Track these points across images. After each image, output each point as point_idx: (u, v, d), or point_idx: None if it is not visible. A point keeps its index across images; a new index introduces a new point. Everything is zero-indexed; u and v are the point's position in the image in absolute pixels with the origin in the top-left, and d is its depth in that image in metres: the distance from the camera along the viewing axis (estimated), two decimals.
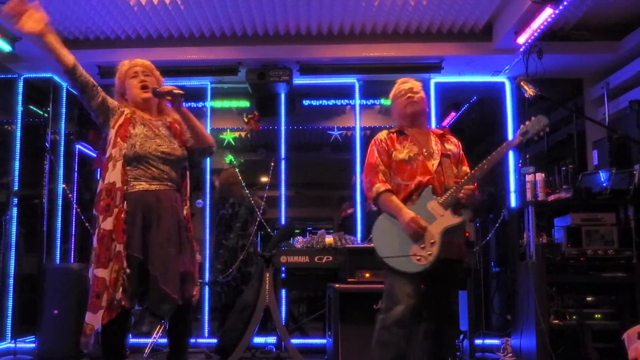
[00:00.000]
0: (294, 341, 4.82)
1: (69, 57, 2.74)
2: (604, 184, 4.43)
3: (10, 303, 5.30)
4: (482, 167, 2.86)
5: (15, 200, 5.36)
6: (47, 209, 5.42)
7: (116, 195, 2.71)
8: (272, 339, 5.13)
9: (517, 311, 4.65)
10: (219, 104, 6.02)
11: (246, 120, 5.69)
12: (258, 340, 5.09)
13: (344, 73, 5.60)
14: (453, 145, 3.11)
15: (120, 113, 2.86)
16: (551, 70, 5.12)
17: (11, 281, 5.33)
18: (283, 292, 5.32)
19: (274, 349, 5.00)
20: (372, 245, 2.97)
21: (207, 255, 5.61)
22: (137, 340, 4.75)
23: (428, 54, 5.31)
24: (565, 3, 4.30)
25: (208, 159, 5.48)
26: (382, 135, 3.10)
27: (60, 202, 5.61)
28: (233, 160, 5.87)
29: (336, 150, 7.51)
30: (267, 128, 6.41)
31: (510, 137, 5.49)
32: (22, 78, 5.59)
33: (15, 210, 5.35)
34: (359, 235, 5.53)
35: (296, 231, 5.19)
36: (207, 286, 5.49)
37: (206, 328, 5.47)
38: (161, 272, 2.67)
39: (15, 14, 2.59)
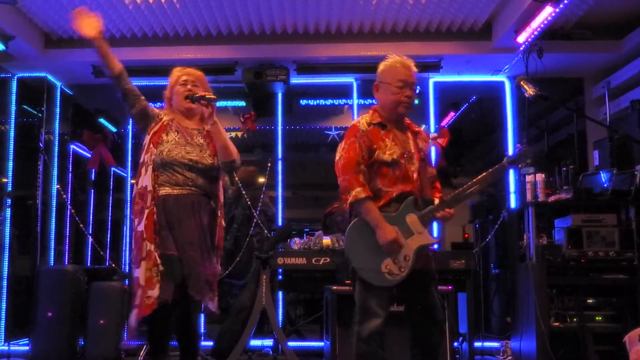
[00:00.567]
0: (291, 344, 4.80)
1: (116, 65, 2.88)
2: (605, 185, 4.42)
3: (3, 305, 5.25)
4: (467, 188, 2.77)
5: (9, 201, 5.30)
6: (41, 210, 5.38)
7: (147, 197, 2.82)
8: (269, 342, 5.10)
9: (517, 313, 4.62)
10: None
11: (243, 120, 5.65)
12: (255, 342, 5.05)
13: (342, 72, 5.56)
14: (424, 141, 2.99)
15: (158, 120, 2.96)
16: (551, 70, 5.07)
17: (4, 283, 5.27)
18: (280, 294, 5.29)
19: (271, 352, 4.96)
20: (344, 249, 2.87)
21: None
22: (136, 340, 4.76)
23: (427, 53, 5.25)
24: (565, 1, 4.27)
25: None
26: (363, 125, 2.87)
27: (54, 202, 5.57)
28: None
29: (334, 150, 7.42)
30: (264, 128, 6.37)
31: (510, 137, 5.48)
32: (15, 77, 5.53)
33: (8, 211, 5.29)
34: None
35: (293, 232, 5.14)
36: None
37: (202, 330, 5.39)
38: (186, 274, 2.78)
39: (77, 18, 2.82)
